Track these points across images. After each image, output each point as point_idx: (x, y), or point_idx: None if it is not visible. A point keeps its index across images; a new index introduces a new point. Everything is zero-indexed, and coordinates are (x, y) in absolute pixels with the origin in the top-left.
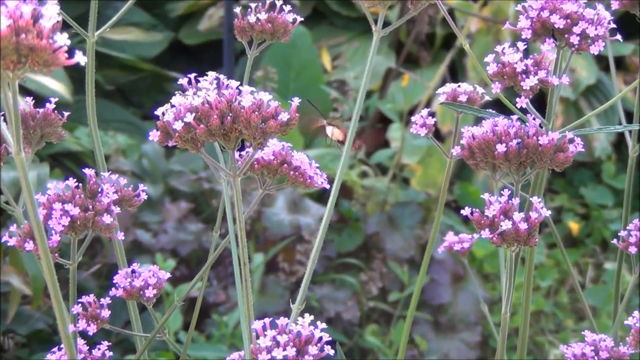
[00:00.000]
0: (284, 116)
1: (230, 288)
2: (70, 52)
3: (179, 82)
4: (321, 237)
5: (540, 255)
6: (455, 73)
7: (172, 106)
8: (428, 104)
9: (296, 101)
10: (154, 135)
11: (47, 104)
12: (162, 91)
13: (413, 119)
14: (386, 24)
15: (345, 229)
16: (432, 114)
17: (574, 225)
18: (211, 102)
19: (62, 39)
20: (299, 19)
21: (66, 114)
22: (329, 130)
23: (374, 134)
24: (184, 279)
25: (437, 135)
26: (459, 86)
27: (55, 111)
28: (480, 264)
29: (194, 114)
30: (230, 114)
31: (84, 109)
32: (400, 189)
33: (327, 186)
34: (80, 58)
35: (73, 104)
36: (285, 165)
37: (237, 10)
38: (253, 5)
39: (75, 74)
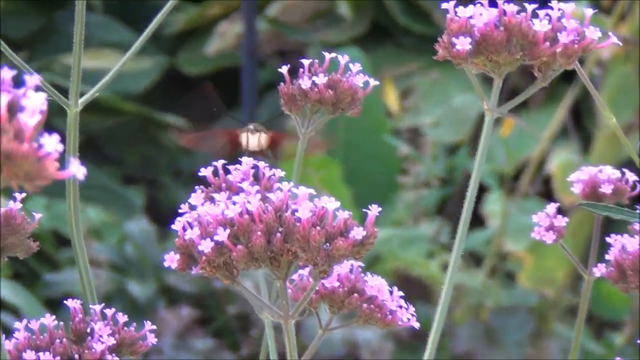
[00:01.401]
0: (357, 232)
1: None
2: (63, 160)
3: (200, 174)
4: None
5: None
6: (580, 117)
7: (193, 208)
8: (541, 164)
9: (375, 210)
10: (172, 259)
11: (11, 202)
12: (152, 142)
13: (536, 218)
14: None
15: (423, 347)
16: (547, 180)
17: None
18: (253, 211)
19: (52, 144)
20: (373, 82)
21: (37, 215)
22: (244, 138)
23: (462, 206)
24: None
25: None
26: (600, 171)
27: (22, 211)
28: None
29: (228, 230)
30: (281, 230)
31: None
32: (502, 287)
33: (417, 325)
34: (77, 170)
35: None
36: (356, 294)
37: (285, 70)
38: (306, 62)
39: None
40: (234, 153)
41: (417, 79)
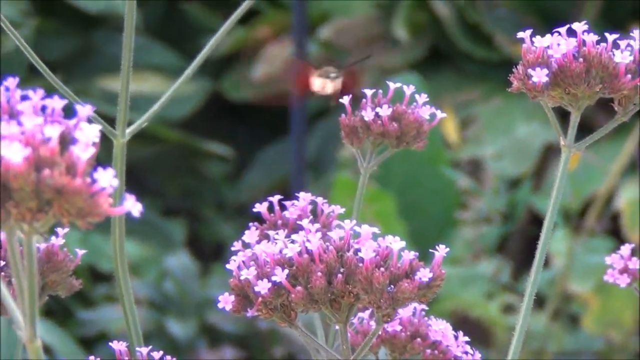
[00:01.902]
0: (423, 274)
1: None
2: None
3: (255, 209)
4: None
5: None
6: None
7: (247, 246)
8: (609, 199)
9: (442, 250)
10: (226, 300)
11: (53, 238)
12: (194, 172)
13: (609, 260)
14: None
15: None
16: (615, 217)
17: None
18: (312, 251)
19: (106, 178)
20: (440, 114)
21: (80, 252)
22: (318, 83)
23: (525, 244)
24: None
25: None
26: None
27: (65, 249)
28: None
29: (286, 270)
30: (342, 270)
31: None
32: (566, 331)
33: None
34: (132, 206)
35: None
36: (419, 339)
37: (346, 101)
38: (369, 92)
39: None
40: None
41: (478, 107)
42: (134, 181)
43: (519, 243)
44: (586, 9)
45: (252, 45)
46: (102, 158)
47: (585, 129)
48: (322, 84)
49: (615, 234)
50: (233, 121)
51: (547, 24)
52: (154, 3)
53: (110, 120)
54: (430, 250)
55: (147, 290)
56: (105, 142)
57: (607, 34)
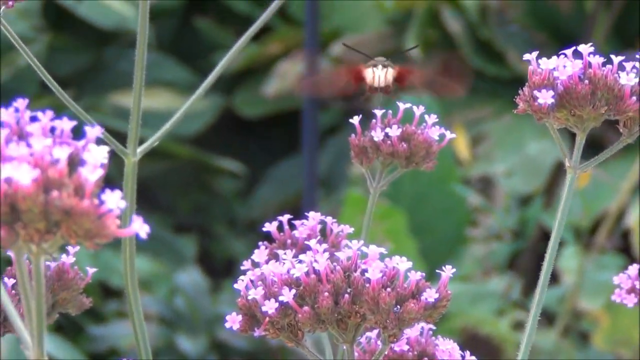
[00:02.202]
0: (429, 295)
1: None
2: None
3: (265, 229)
4: None
5: None
6: None
7: (256, 265)
8: (620, 216)
9: (449, 270)
10: (234, 320)
11: (63, 256)
12: (206, 188)
13: (617, 280)
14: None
15: None
16: (625, 234)
17: None
18: (320, 271)
19: (114, 200)
20: (449, 135)
21: (91, 270)
22: (369, 74)
23: (536, 261)
24: None
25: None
26: None
27: (75, 267)
28: None
29: (293, 290)
30: (349, 290)
31: None
32: (576, 348)
33: None
34: (140, 228)
35: None
36: (426, 358)
37: (356, 121)
38: (379, 112)
39: None
40: (357, 91)
41: (489, 124)
42: (144, 197)
43: (530, 260)
44: (597, 26)
45: (263, 61)
46: (114, 175)
47: (596, 146)
48: (374, 75)
49: (626, 251)
50: (244, 137)
51: (558, 40)
52: (166, 19)
53: (121, 136)
54: (437, 270)
55: (158, 306)
56: (116, 159)
57: (612, 56)
